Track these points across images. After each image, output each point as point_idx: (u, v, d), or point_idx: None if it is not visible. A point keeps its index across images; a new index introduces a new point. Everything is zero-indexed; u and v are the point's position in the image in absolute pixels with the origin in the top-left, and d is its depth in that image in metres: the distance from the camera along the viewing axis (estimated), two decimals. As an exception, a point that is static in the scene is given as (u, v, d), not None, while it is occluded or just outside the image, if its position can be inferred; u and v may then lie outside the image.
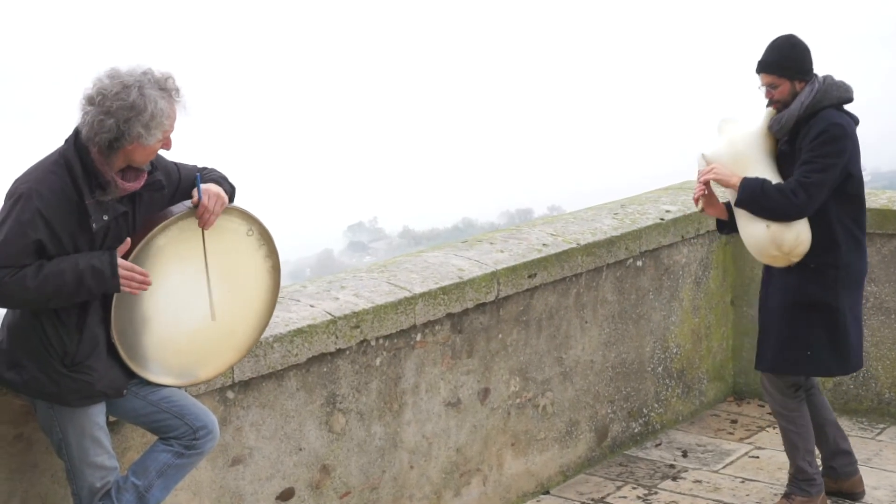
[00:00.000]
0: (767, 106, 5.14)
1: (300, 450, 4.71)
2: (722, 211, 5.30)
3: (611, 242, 6.02)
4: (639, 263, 6.27)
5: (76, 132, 3.75)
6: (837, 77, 5.15)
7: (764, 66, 5.10)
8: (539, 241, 5.82)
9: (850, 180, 5.04)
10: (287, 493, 4.68)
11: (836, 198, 5.03)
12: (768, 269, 5.29)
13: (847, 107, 5.14)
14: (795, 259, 5.06)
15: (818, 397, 5.40)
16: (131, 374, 3.90)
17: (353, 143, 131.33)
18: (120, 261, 3.72)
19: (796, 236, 5.00)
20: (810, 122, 5.01)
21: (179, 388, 4.02)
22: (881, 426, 6.50)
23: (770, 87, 5.09)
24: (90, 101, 3.70)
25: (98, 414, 3.85)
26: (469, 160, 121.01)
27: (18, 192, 3.67)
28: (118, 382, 3.86)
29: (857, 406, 6.67)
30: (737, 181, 5.05)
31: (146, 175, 3.84)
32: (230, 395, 4.45)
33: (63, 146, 3.77)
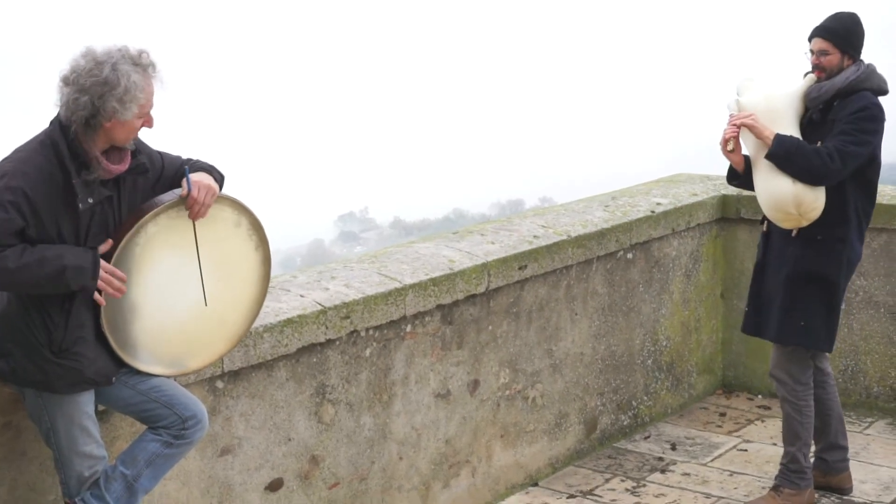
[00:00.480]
0: (808, 73, 5.17)
1: (289, 440, 4.71)
2: (741, 161, 5.30)
3: (601, 235, 6.02)
4: (629, 256, 6.27)
5: (59, 114, 3.74)
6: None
7: (822, 31, 5.15)
8: (530, 232, 5.83)
9: (872, 164, 5.12)
10: (276, 484, 4.68)
11: (854, 178, 5.09)
12: (766, 241, 5.32)
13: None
14: (805, 223, 5.10)
15: (831, 387, 5.44)
16: (121, 363, 3.89)
17: (345, 132, 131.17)
18: (102, 263, 3.72)
19: (815, 199, 5.05)
20: (848, 98, 5.07)
21: (169, 377, 4.02)
22: (869, 420, 6.52)
23: (820, 54, 5.13)
24: (65, 80, 3.71)
25: (87, 402, 3.85)
26: (461, 151, 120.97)
27: (2, 170, 3.66)
28: (107, 370, 3.85)
29: (846, 400, 6.68)
30: (770, 134, 5.07)
31: (130, 158, 3.83)
32: (220, 384, 4.44)
33: (48, 128, 3.76)
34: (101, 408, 3.97)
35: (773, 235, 5.28)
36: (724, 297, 6.98)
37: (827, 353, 5.40)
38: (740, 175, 5.34)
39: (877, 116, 5.07)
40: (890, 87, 5.20)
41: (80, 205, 3.70)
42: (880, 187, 6.79)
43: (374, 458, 5.06)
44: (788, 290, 5.20)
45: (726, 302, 6.99)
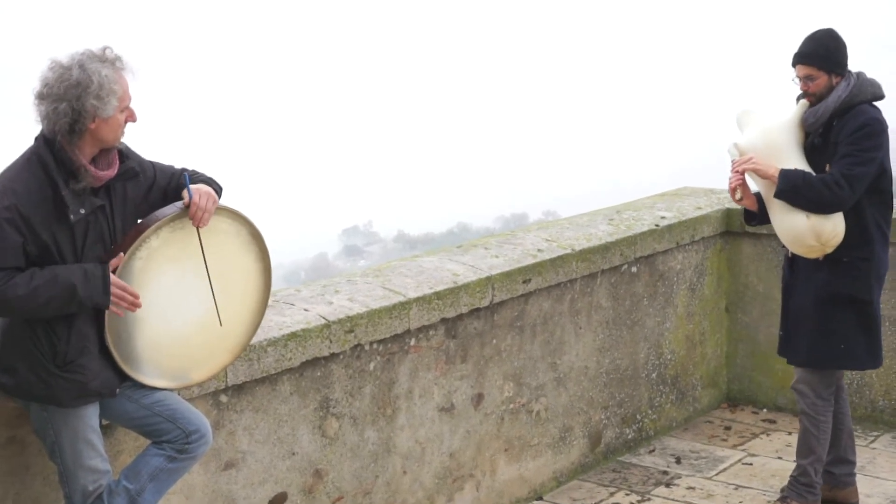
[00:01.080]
0: (800, 97, 5.16)
1: (293, 454, 4.71)
2: (754, 202, 5.31)
3: (606, 248, 6.02)
4: (633, 269, 6.27)
5: (42, 131, 3.75)
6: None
7: (802, 58, 5.12)
8: (534, 246, 5.82)
9: (883, 176, 5.11)
10: (280, 498, 4.67)
11: (868, 193, 5.08)
12: (791, 265, 5.32)
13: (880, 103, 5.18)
14: (829, 250, 5.10)
15: (844, 401, 5.45)
16: (124, 376, 3.89)
17: (349, 146, 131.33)
18: (113, 278, 3.72)
19: (833, 227, 5.04)
20: (845, 116, 5.05)
21: (173, 390, 4.02)
22: (875, 434, 6.50)
23: (807, 79, 5.11)
24: (40, 96, 3.72)
25: (91, 416, 3.85)
26: (465, 165, 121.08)
27: None
28: (111, 381, 3.85)
29: (851, 413, 6.64)
30: (775, 172, 5.06)
31: (118, 164, 3.83)
32: (223, 398, 4.44)
33: (33, 145, 3.77)
34: (104, 422, 3.97)
35: (797, 259, 5.27)
36: (728, 310, 6.97)
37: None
38: (756, 216, 5.35)
39: (877, 130, 5.04)
40: (890, 89, 5.19)
41: (72, 216, 3.70)
42: (885, 200, 6.80)
43: (378, 472, 5.05)
44: (823, 315, 5.20)
45: (731, 315, 6.98)
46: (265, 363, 4.49)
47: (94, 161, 3.78)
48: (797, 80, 5.16)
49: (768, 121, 5.22)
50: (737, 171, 5.17)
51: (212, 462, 4.42)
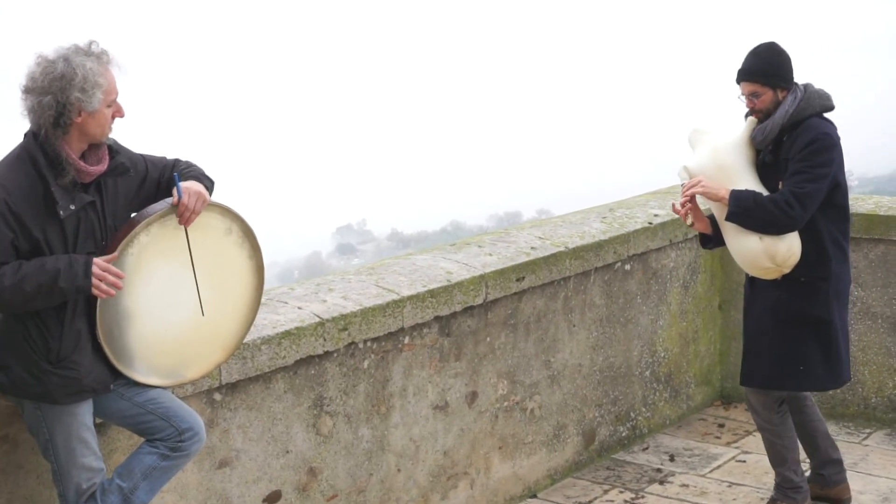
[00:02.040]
0: (748, 115, 5.07)
1: (287, 452, 4.70)
2: (707, 225, 5.22)
3: (599, 246, 6.02)
4: (627, 267, 6.27)
5: (30, 127, 3.74)
6: (818, 85, 5.09)
7: (746, 75, 5.02)
8: (527, 244, 5.83)
9: (837, 190, 5.00)
10: (274, 496, 4.67)
11: (823, 208, 4.98)
12: (751, 286, 5.24)
13: (831, 114, 5.09)
14: (787, 270, 5.02)
15: (811, 408, 5.37)
16: (117, 372, 3.89)
17: (342, 145, 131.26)
18: (96, 260, 3.70)
19: (788, 247, 4.96)
20: (795, 131, 4.96)
21: (166, 388, 4.01)
22: (867, 431, 6.52)
23: (752, 97, 5.01)
24: (26, 90, 3.71)
25: (85, 414, 3.84)
26: (458, 163, 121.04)
27: None
28: (104, 377, 3.85)
29: (844, 411, 6.68)
30: (725, 194, 4.97)
31: (108, 159, 3.83)
32: (217, 397, 4.44)
33: (23, 141, 3.77)
34: (98, 420, 3.96)
35: (756, 279, 5.19)
36: (721, 308, 6.98)
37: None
38: (712, 238, 5.27)
39: (827, 146, 4.92)
40: (876, 97, 5.13)
41: (62, 212, 3.69)
42: (877, 198, 6.81)
43: (373, 470, 5.05)
44: (781, 336, 5.11)
45: (724, 313, 6.99)
46: (259, 361, 4.49)
47: (83, 157, 3.77)
48: (742, 98, 5.05)
49: (717, 141, 5.09)
50: (685, 195, 5.07)
51: (206, 460, 4.42)
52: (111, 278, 3.72)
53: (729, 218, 4.98)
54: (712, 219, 5.22)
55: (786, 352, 5.10)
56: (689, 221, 5.16)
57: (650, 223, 6.38)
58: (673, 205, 5.21)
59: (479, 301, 5.39)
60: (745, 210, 4.93)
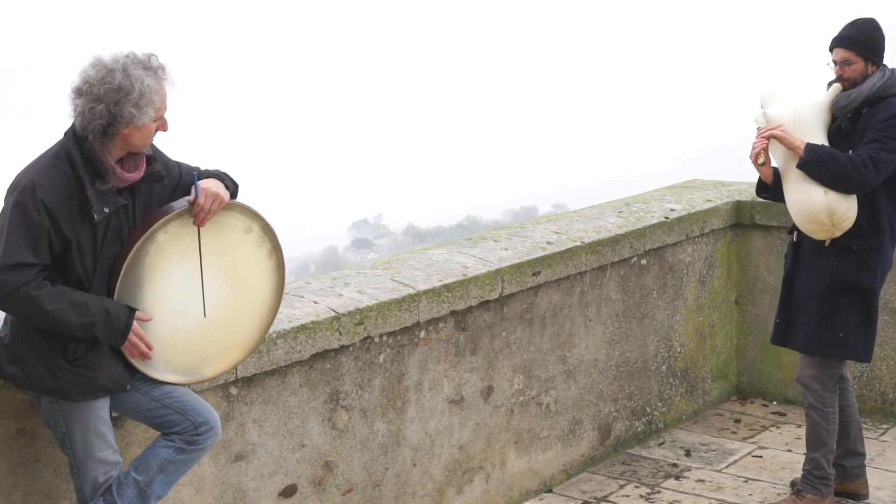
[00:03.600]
0: (833, 83, 5.15)
1: (303, 446, 4.71)
2: (771, 173, 5.29)
3: (615, 241, 6.01)
4: (643, 262, 6.26)
5: (73, 126, 3.75)
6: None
7: (843, 41, 5.12)
8: (543, 238, 5.82)
9: None
10: (290, 490, 4.68)
11: (885, 185, 5.07)
12: (795, 253, 5.30)
13: None
14: (839, 233, 5.08)
15: (850, 394, 5.43)
16: (134, 370, 3.90)
17: (358, 140, 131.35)
18: (134, 326, 3.76)
19: (848, 208, 5.03)
20: (876, 105, 5.05)
21: (184, 385, 4.02)
22: (885, 426, 6.49)
23: (844, 64, 5.11)
24: (78, 92, 3.71)
25: (102, 408, 3.85)
26: (474, 158, 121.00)
27: (21, 184, 3.68)
28: (121, 377, 3.86)
29: (861, 406, 6.65)
30: (801, 143, 5.05)
31: (145, 166, 3.84)
32: (233, 391, 4.44)
33: (63, 139, 3.78)
34: (114, 414, 3.97)
35: (803, 246, 5.26)
36: (738, 303, 6.96)
37: (847, 361, 5.39)
38: (769, 187, 5.33)
39: None
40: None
41: (96, 215, 3.71)
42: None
43: (388, 464, 5.05)
44: (825, 301, 5.18)
45: (740, 308, 6.97)
46: (275, 355, 4.50)
47: (120, 162, 3.78)
48: (832, 65, 5.15)
49: (798, 99, 5.21)
50: (762, 136, 5.15)
51: (222, 454, 4.43)
52: (142, 347, 3.80)
53: (801, 166, 5.05)
54: (774, 172, 5.28)
55: (828, 317, 5.17)
56: (761, 160, 5.20)
57: (666, 218, 6.37)
58: (755, 145, 5.20)
59: (495, 295, 5.39)
60: (819, 161, 5.01)
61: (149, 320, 3.81)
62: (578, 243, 5.83)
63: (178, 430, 3.94)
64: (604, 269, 6.01)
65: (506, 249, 5.62)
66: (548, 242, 5.77)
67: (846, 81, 5.11)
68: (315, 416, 4.74)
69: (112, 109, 3.67)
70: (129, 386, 3.89)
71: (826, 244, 5.15)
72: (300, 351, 4.59)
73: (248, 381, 4.48)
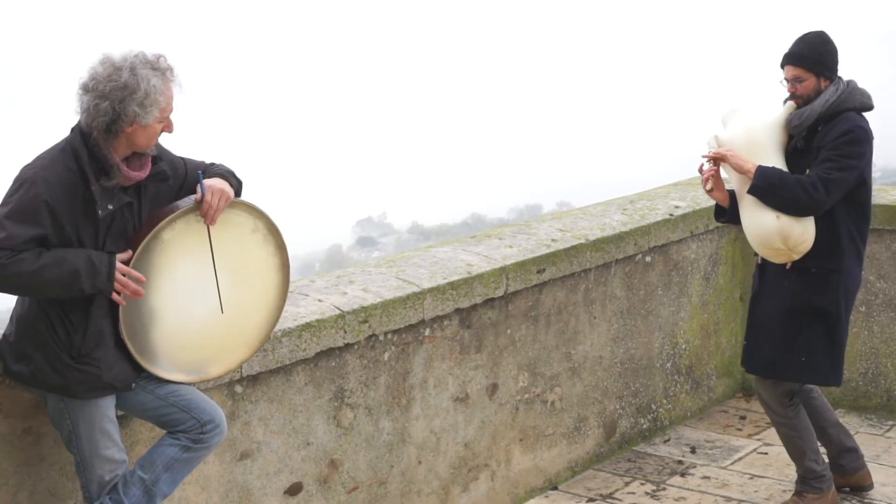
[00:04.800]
0: (787, 100, 5.08)
1: (308, 444, 4.72)
2: (726, 196, 5.21)
3: (620, 238, 6.01)
4: (648, 259, 6.26)
5: (79, 122, 3.76)
6: (847, 78, 5.10)
7: (792, 59, 5.03)
8: (548, 236, 5.82)
9: (862, 187, 4.98)
10: (295, 488, 4.68)
11: (845, 203, 4.96)
12: (761, 273, 5.23)
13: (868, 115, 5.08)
14: (796, 256, 4.99)
15: (818, 400, 5.36)
16: (140, 369, 3.90)
17: (363, 138, 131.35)
18: (119, 265, 3.73)
19: (802, 232, 4.93)
20: (831, 122, 4.95)
21: (190, 384, 4.02)
22: (890, 423, 6.49)
23: (795, 81, 5.02)
24: (84, 88, 3.73)
25: (108, 406, 3.86)
26: (478, 155, 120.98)
27: (24, 177, 3.69)
28: (126, 376, 3.86)
29: (866, 403, 6.66)
30: (751, 167, 4.96)
31: (151, 165, 3.85)
32: (238, 389, 4.45)
33: (69, 135, 3.79)
34: (119, 412, 3.98)
35: (767, 266, 5.17)
36: (742, 299, 6.96)
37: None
38: (726, 212, 5.25)
39: (861, 139, 4.91)
40: (888, 93, 5.11)
41: (100, 211, 3.72)
42: (900, 189, 6.77)
43: (394, 462, 5.06)
44: (787, 325, 5.08)
45: (745, 305, 6.95)
46: (280, 354, 4.50)
47: (126, 161, 3.79)
48: (785, 82, 5.05)
49: (751, 119, 5.10)
50: (709, 157, 5.06)
51: (227, 452, 4.44)
52: (133, 285, 3.75)
53: (752, 191, 4.96)
54: (731, 194, 5.20)
55: (789, 341, 5.08)
56: (708, 187, 5.14)
57: (671, 215, 6.36)
58: (700, 166, 5.17)
59: (500, 293, 5.39)
60: (769, 185, 4.91)
61: (143, 281, 3.77)
62: (583, 241, 5.83)
63: (183, 428, 3.94)
64: (608, 267, 6.01)
65: (510, 247, 5.62)
66: (552, 240, 5.77)
67: (799, 99, 5.00)
68: (320, 414, 4.74)
69: (116, 107, 3.69)
70: (134, 384, 3.89)
71: (787, 267, 5.06)
72: (305, 349, 4.59)
73: (254, 380, 4.49)
